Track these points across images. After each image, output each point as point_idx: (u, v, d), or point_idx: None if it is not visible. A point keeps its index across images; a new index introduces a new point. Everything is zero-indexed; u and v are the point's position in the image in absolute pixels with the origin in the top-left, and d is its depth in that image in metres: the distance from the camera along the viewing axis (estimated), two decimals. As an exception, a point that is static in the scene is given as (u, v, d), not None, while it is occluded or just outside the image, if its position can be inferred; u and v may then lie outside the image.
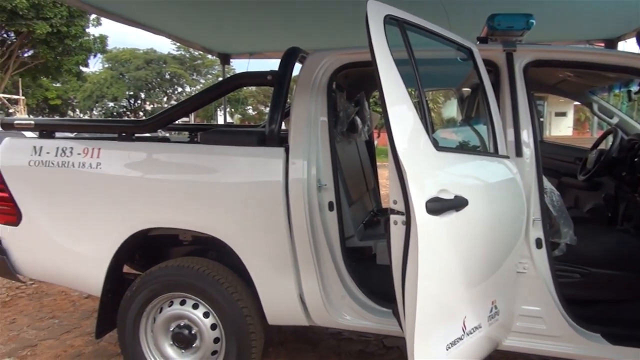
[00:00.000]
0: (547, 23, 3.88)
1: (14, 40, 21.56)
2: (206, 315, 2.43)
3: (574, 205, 3.66)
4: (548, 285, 2.17)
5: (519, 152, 2.20)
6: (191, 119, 23.51)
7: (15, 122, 2.94)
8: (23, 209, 2.64)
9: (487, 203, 1.98)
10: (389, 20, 1.79)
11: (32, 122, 2.87)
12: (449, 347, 1.78)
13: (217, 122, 30.15)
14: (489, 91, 2.22)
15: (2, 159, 2.68)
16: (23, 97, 24.17)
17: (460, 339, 1.83)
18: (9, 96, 23.31)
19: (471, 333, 1.89)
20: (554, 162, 3.86)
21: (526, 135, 2.21)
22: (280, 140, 2.37)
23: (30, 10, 18.85)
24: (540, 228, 2.17)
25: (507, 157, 2.18)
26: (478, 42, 2.40)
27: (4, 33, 21.39)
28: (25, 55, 22.80)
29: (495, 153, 2.16)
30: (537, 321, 2.19)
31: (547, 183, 2.31)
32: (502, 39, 2.36)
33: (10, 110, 23.20)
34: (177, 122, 2.94)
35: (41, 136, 2.75)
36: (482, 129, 2.30)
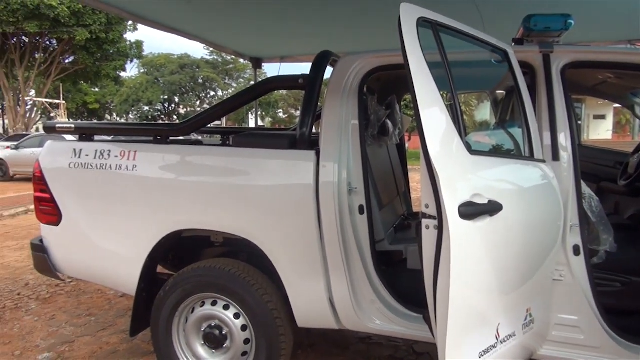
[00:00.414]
0: (585, 23, 3.76)
1: (56, 47, 22.49)
2: (237, 316, 2.45)
3: (614, 212, 3.53)
4: (586, 293, 2.09)
5: (555, 156, 2.13)
6: (223, 122, 23.90)
7: (57, 125, 3.06)
8: (63, 209, 2.73)
9: (523, 208, 1.93)
10: (422, 22, 1.77)
11: (73, 125, 2.98)
12: (482, 355, 1.74)
13: (248, 125, 30.57)
14: (524, 94, 2.16)
15: (45, 161, 2.79)
16: (64, 102, 25.17)
17: (494, 347, 1.79)
18: (50, 100, 24.33)
19: (505, 341, 1.84)
20: (592, 166, 3.73)
21: (563, 139, 2.15)
22: (311, 143, 2.37)
23: (72, 17, 19.61)
24: (578, 234, 2.10)
25: (543, 161, 2.12)
26: (513, 44, 2.35)
27: (46, 40, 22.32)
28: (66, 61, 23.76)
29: (531, 157, 2.11)
30: (575, 331, 2.12)
31: (585, 188, 2.23)
32: (539, 40, 2.30)
33: (52, 114, 24.20)
34: (209, 125, 2.99)
35: (81, 139, 2.85)
36: (517, 132, 2.25)
